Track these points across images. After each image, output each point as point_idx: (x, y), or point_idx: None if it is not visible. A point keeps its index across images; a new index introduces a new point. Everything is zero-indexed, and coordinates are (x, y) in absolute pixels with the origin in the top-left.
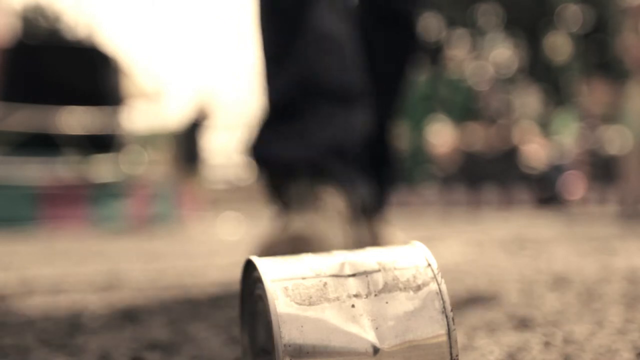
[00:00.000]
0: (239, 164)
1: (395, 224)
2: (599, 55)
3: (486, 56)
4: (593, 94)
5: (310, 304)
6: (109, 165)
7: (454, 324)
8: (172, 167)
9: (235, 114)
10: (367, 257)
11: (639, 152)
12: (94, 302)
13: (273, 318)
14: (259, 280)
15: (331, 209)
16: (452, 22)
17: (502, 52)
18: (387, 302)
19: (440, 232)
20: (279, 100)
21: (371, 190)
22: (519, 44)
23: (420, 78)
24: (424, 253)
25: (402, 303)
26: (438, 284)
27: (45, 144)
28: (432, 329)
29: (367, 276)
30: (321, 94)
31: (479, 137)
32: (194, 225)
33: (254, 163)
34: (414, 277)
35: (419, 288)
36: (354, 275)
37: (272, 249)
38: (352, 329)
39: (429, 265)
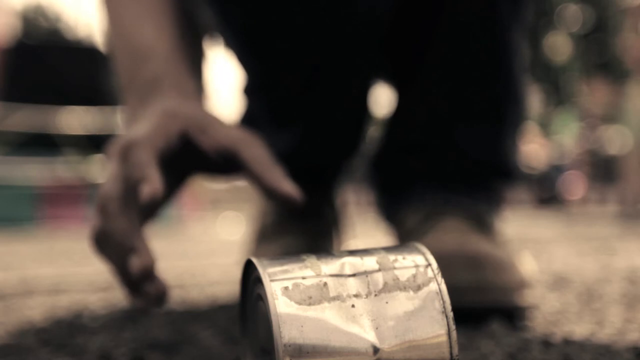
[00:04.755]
0: None
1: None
2: (599, 55)
3: None
4: (593, 94)
5: (310, 304)
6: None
7: (454, 324)
8: None
9: (235, 113)
10: (367, 257)
11: (639, 152)
12: (94, 302)
13: (273, 318)
14: (258, 280)
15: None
16: None
17: None
18: (387, 302)
19: None
20: None
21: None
22: None
23: None
24: (423, 253)
25: (402, 303)
26: (438, 284)
27: (45, 144)
28: (432, 329)
29: (367, 276)
30: None
31: None
32: (194, 225)
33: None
34: (414, 277)
35: (419, 288)
36: (354, 275)
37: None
38: (352, 329)
39: (429, 265)
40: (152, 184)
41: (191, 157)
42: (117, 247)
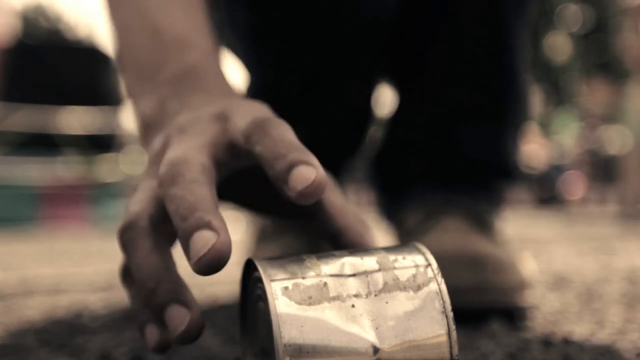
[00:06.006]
0: None
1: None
2: (599, 55)
3: None
4: (593, 94)
5: (310, 304)
6: (109, 165)
7: (454, 324)
8: None
9: None
10: (367, 257)
11: (639, 152)
12: (94, 302)
13: (273, 318)
14: (258, 280)
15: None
16: None
17: None
18: (387, 302)
19: None
20: None
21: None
22: None
23: None
24: (423, 253)
25: (402, 303)
26: (438, 284)
27: (45, 144)
28: (432, 329)
29: (367, 276)
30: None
31: None
32: None
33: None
34: (414, 277)
35: (419, 288)
36: (354, 275)
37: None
38: (352, 329)
39: (429, 265)
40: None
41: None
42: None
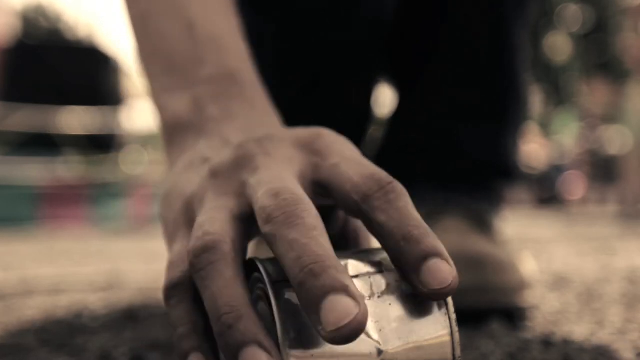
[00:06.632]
0: None
1: None
2: (599, 55)
3: None
4: (593, 94)
5: None
6: (109, 165)
7: (456, 325)
8: None
9: None
10: (370, 258)
11: (639, 152)
12: (94, 302)
13: (274, 318)
14: (259, 280)
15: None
16: None
17: None
18: (390, 304)
19: None
20: None
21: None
22: None
23: None
24: None
25: (405, 304)
26: None
27: (45, 144)
28: (435, 330)
29: (369, 277)
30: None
31: None
32: None
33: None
34: None
35: None
36: (356, 276)
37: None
38: None
39: None
40: None
41: None
42: None
